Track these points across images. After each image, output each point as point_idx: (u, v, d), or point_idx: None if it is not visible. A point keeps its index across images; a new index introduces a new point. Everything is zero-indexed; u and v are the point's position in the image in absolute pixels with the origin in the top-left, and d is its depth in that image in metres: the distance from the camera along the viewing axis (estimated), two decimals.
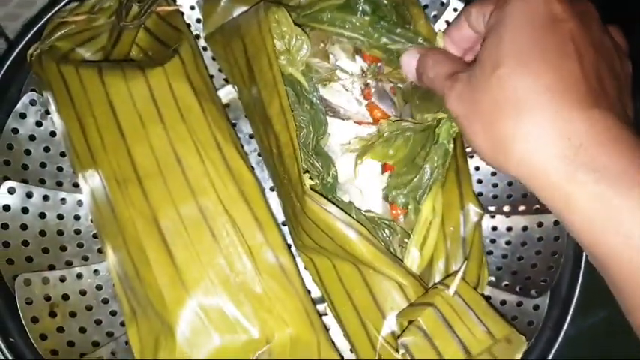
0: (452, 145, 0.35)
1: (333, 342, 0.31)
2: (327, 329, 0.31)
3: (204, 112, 0.34)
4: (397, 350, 0.29)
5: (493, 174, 0.40)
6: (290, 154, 0.33)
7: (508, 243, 0.38)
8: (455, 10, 0.42)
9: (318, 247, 0.33)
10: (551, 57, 0.26)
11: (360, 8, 0.37)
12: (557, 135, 0.25)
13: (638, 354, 0.45)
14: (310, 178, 0.33)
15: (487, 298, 0.34)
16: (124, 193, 0.31)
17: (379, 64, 0.38)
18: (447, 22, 0.42)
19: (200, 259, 0.30)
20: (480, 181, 0.41)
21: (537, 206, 0.38)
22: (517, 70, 0.26)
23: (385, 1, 0.37)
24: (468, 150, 0.38)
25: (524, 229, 0.38)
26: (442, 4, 0.43)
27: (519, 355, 0.30)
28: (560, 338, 0.33)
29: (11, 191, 0.34)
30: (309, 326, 0.30)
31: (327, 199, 0.32)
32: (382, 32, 0.36)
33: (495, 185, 0.40)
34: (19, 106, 0.36)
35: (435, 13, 0.43)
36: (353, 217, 0.32)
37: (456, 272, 0.31)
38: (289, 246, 0.35)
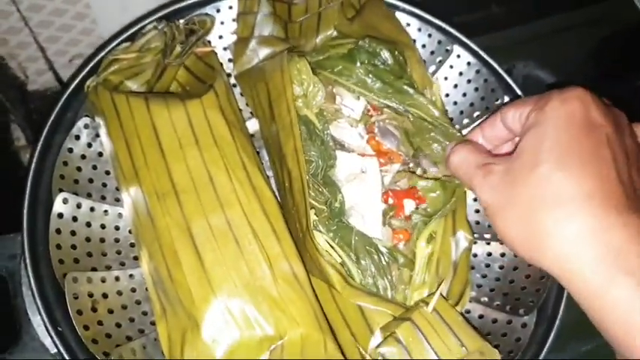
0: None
1: (338, 343, 0.35)
2: (333, 332, 0.35)
3: (234, 139, 0.39)
4: None
5: None
6: (299, 189, 0.37)
7: (501, 267, 0.42)
8: (458, 56, 0.48)
9: (310, 271, 0.37)
10: (590, 161, 0.27)
11: (359, 58, 0.42)
12: (597, 240, 0.26)
13: None
14: (316, 213, 0.37)
15: (466, 312, 0.38)
16: (162, 204, 0.36)
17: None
18: (451, 66, 0.48)
19: (226, 264, 0.34)
20: (477, 211, 0.45)
21: None
22: (557, 171, 0.27)
23: (382, 48, 0.42)
24: None
25: (516, 255, 0.42)
26: (447, 50, 0.48)
27: None
28: (544, 352, 0.37)
29: (65, 201, 0.39)
30: (318, 328, 0.34)
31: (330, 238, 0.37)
32: (376, 82, 0.41)
33: None
34: (74, 129, 0.42)
35: (440, 58, 0.48)
36: (351, 243, 0.36)
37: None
38: None
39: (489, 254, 0.43)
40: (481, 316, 0.40)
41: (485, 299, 0.41)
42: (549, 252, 0.27)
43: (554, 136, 0.28)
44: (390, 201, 0.40)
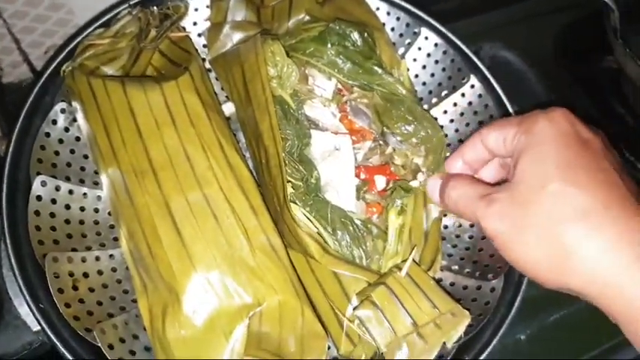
0: None
1: (315, 310, 0.36)
2: (309, 298, 0.36)
3: (210, 119, 0.40)
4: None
5: None
6: (276, 164, 0.38)
7: (470, 237, 0.44)
8: (426, 38, 0.49)
9: (289, 244, 0.38)
10: (596, 173, 0.28)
11: (329, 40, 0.43)
12: (626, 246, 0.26)
13: (595, 348, 0.50)
14: (293, 187, 0.38)
15: (439, 280, 0.40)
16: (140, 183, 0.37)
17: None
18: (419, 48, 0.49)
19: (204, 238, 0.35)
20: None
21: None
22: (569, 187, 0.28)
23: (351, 29, 0.43)
24: None
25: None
26: (415, 33, 0.49)
27: (463, 327, 0.35)
28: (512, 314, 0.39)
29: (43, 184, 0.39)
30: (295, 295, 0.35)
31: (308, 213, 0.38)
32: (347, 63, 0.43)
33: None
34: (51, 113, 0.42)
35: (408, 40, 0.50)
36: (327, 216, 0.38)
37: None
38: None
39: (460, 225, 0.45)
40: (452, 284, 0.42)
41: (456, 267, 0.42)
42: (579, 267, 0.27)
43: (556, 154, 0.29)
44: (362, 176, 0.42)
